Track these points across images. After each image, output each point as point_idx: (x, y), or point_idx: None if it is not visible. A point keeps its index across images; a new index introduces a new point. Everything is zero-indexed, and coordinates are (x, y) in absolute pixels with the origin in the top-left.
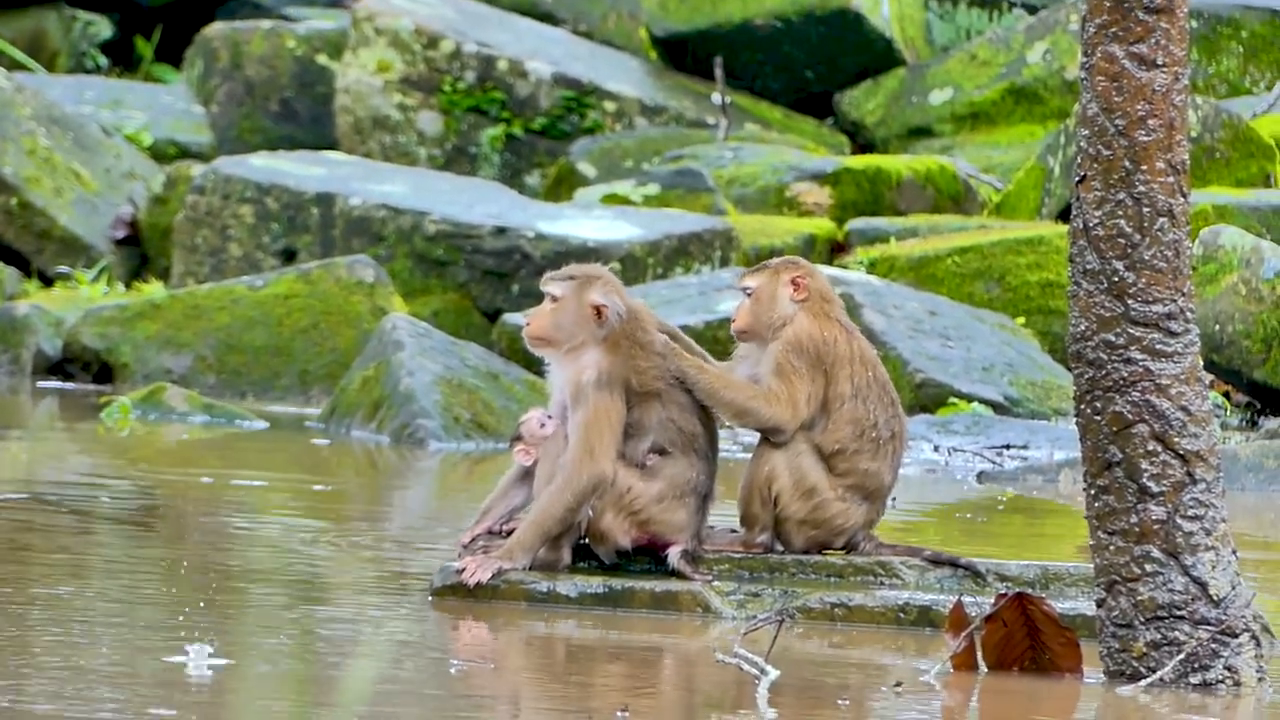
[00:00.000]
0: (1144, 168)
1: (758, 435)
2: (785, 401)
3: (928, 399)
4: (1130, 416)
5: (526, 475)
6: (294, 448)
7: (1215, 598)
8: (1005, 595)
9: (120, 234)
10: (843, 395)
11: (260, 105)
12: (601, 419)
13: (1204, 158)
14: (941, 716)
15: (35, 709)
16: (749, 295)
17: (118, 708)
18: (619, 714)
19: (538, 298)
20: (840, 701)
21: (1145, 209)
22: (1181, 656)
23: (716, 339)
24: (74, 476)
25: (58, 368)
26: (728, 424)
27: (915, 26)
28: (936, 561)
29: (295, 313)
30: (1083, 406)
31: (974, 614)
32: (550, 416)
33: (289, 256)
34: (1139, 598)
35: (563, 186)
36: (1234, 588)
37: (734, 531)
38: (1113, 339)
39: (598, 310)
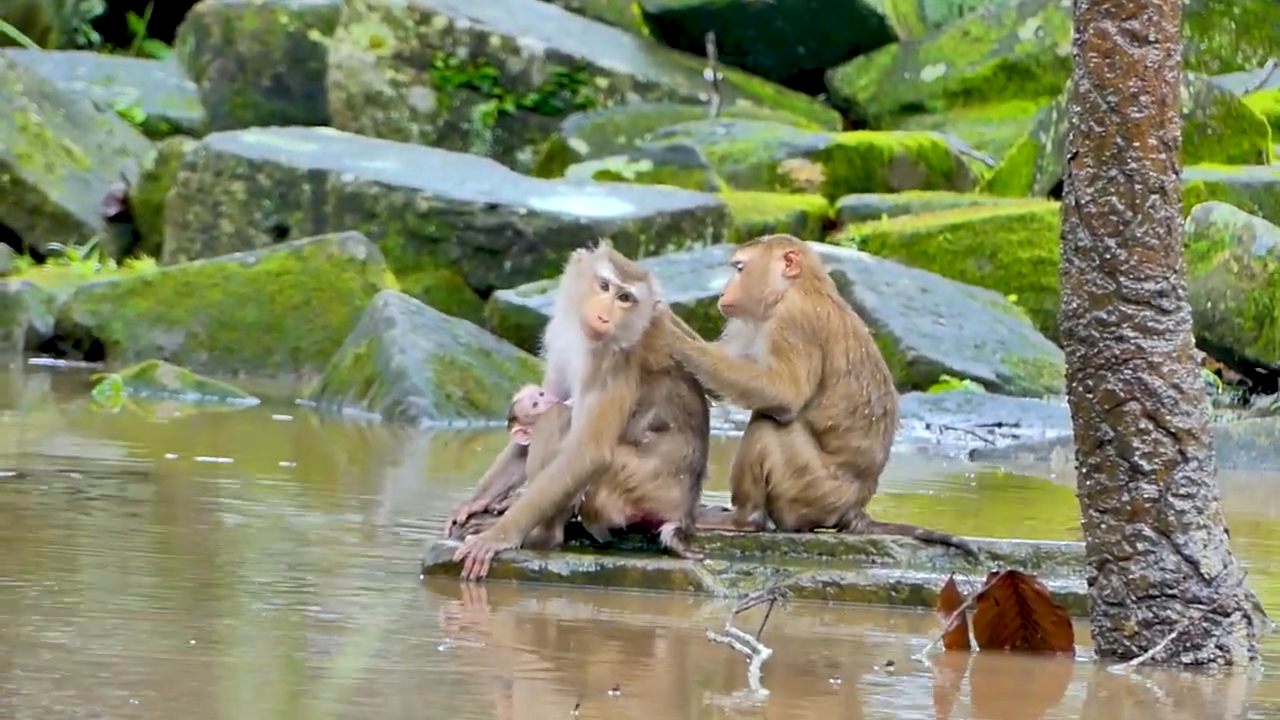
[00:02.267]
0: (1136, 144)
1: (748, 413)
2: (788, 379)
3: (919, 376)
4: (1122, 394)
5: (524, 452)
6: (285, 425)
7: (1207, 576)
8: (997, 574)
9: (112, 210)
10: (838, 371)
11: (252, 81)
12: (614, 406)
13: (1196, 134)
14: (933, 695)
15: (22, 692)
16: (740, 270)
17: (106, 692)
18: (610, 693)
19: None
20: (832, 680)
21: (1137, 186)
22: (1173, 635)
23: (709, 316)
24: (65, 454)
25: (49, 345)
26: (721, 402)
27: (908, 3)
28: (928, 540)
29: (287, 290)
30: (1074, 384)
31: (966, 593)
32: (542, 394)
33: (281, 233)
34: (1130, 576)
35: (555, 163)
36: (1225, 566)
37: (725, 510)
38: (1104, 316)
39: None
